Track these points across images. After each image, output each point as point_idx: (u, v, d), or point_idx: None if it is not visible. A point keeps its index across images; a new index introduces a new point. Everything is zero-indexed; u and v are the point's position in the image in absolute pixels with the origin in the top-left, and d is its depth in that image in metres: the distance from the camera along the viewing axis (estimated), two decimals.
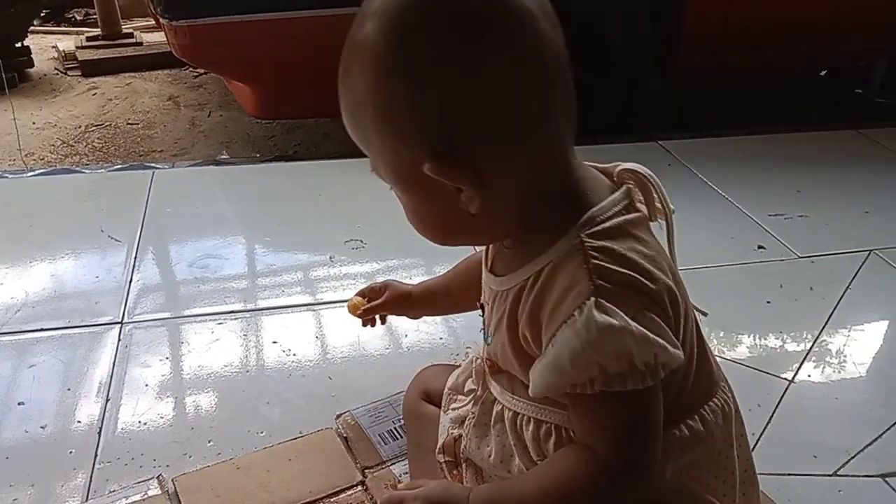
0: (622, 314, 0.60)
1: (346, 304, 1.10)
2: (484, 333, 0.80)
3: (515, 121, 0.62)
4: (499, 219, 0.67)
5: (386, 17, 0.60)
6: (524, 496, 0.68)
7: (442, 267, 1.49)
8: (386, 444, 1.11)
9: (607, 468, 0.64)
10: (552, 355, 0.62)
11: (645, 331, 0.61)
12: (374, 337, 1.37)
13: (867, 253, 1.68)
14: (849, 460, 1.15)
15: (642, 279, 0.62)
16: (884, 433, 1.20)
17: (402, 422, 1.13)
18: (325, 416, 1.17)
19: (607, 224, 0.65)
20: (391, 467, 1.07)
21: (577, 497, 0.65)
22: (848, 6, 2.40)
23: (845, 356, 1.37)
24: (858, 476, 1.13)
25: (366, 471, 1.06)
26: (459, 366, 0.93)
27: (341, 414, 1.16)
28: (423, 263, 1.63)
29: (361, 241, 1.70)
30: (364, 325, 1.11)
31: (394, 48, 0.61)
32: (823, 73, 3.28)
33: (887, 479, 1.13)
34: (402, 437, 1.12)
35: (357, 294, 1.09)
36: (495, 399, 0.79)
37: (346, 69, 0.66)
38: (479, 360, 0.84)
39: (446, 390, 0.92)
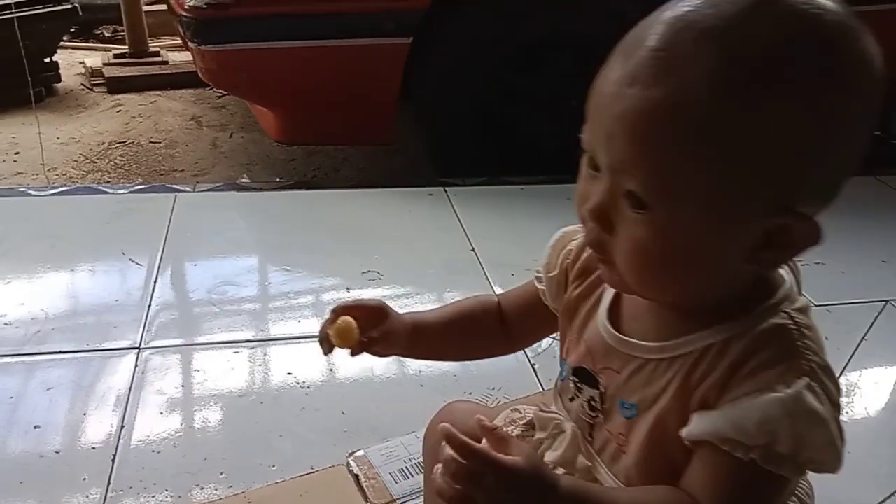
0: (829, 406, 0.57)
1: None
2: (597, 402, 0.69)
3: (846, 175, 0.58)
4: (723, 275, 0.60)
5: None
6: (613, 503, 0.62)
7: (440, 299, 1.51)
8: (397, 482, 1.12)
9: None
10: (740, 410, 0.57)
11: (837, 433, 0.58)
12: (387, 371, 1.38)
13: (884, 304, 1.67)
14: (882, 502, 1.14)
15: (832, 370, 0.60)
16: (893, 494, 1.20)
17: (414, 461, 1.14)
18: (337, 451, 1.18)
19: (802, 303, 0.62)
20: None
21: None
22: None
23: (860, 409, 1.36)
24: None
25: None
26: (486, 405, 0.91)
27: (353, 452, 1.17)
28: (437, 296, 1.64)
29: (378, 273, 1.71)
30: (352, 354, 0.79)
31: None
32: None
33: None
34: (413, 475, 1.12)
35: (339, 312, 0.76)
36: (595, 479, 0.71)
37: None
38: (568, 432, 0.73)
39: None
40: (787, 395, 0.56)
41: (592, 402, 0.69)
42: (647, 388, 0.64)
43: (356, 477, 1.12)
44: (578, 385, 0.70)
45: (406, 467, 1.14)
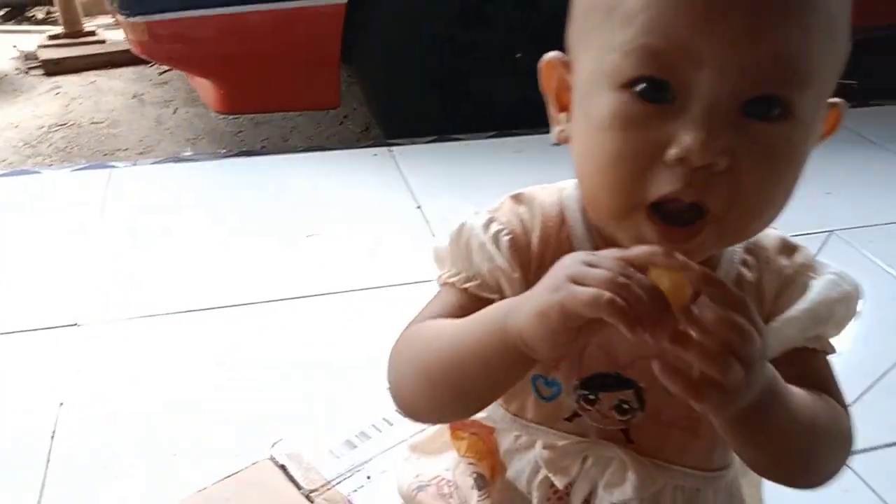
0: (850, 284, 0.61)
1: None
2: (631, 401, 0.60)
3: None
4: None
5: None
6: (801, 410, 0.54)
7: (389, 259, 1.48)
8: (327, 465, 1.08)
9: (851, 430, 0.60)
10: (807, 305, 0.57)
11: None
12: (303, 347, 1.36)
13: (828, 234, 1.69)
14: None
15: None
16: None
17: (341, 440, 1.11)
18: (259, 445, 1.12)
19: None
20: (337, 487, 1.04)
21: (837, 437, 0.58)
22: None
23: None
24: None
25: (311, 495, 1.03)
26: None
27: (275, 442, 1.12)
28: (382, 257, 1.62)
29: (321, 234, 1.69)
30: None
31: None
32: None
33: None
34: (341, 456, 1.10)
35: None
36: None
37: None
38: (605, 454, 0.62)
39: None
40: (829, 280, 0.58)
41: (624, 405, 0.60)
42: None
43: (283, 467, 1.08)
44: (589, 397, 0.61)
45: (335, 448, 1.11)
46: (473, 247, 0.59)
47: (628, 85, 0.47)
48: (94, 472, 1.09)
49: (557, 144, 0.57)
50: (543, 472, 0.63)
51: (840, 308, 0.58)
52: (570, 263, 0.47)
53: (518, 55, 2.16)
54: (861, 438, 1.16)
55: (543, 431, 0.63)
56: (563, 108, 0.56)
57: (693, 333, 0.44)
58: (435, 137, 2.21)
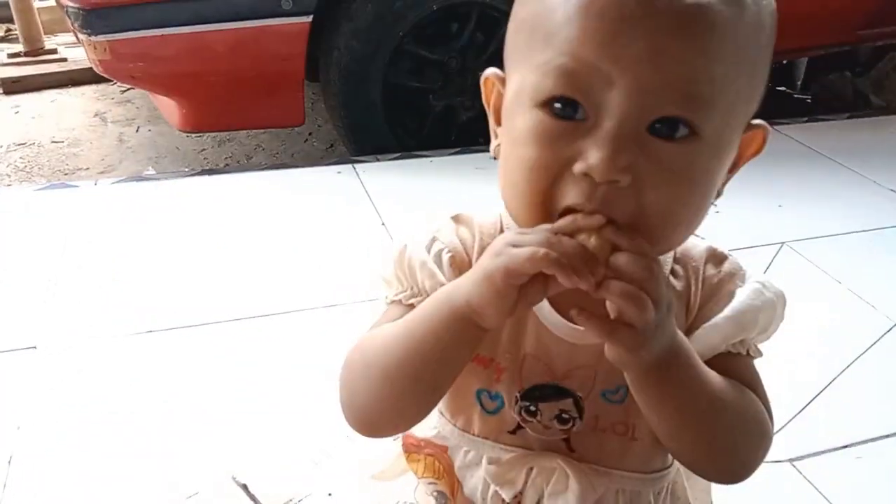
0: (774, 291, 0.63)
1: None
2: (571, 410, 0.62)
3: None
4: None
5: None
6: (710, 380, 0.57)
7: (353, 277, 1.49)
8: (289, 482, 1.08)
9: (771, 426, 0.62)
10: (731, 313, 0.60)
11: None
12: (265, 365, 1.36)
13: (780, 245, 1.74)
14: None
15: None
16: (790, 421, 1.25)
17: (305, 457, 1.12)
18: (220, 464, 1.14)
19: None
20: None
21: (749, 421, 0.60)
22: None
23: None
24: (768, 462, 1.17)
25: None
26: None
27: (237, 462, 1.13)
28: (347, 274, 1.63)
29: (285, 252, 1.70)
30: None
31: None
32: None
33: (794, 463, 1.18)
34: (304, 473, 1.10)
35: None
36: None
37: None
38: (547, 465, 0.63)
39: None
40: (753, 289, 0.60)
41: (564, 415, 0.62)
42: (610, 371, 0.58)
43: (244, 486, 1.09)
44: (530, 408, 0.62)
45: (295, 466, 1.12)
46: (416, 265, 0.61)
47: (545, 103, 0.50)
48: (53, 497, 1.08)
49: (495, 158, 0.59)
50: (493, 487, 0.64)
51: (763, 315, 0.60)
52: (506, 235, 0.52)
53: (480, 73, 2.20)
54: (810, 444, 1.21)
55: (489, 445, 0.65)
56: (500, 122, 0.58)
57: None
58: (399, 154, 2.24)
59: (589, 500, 0.62)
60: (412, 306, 0.61)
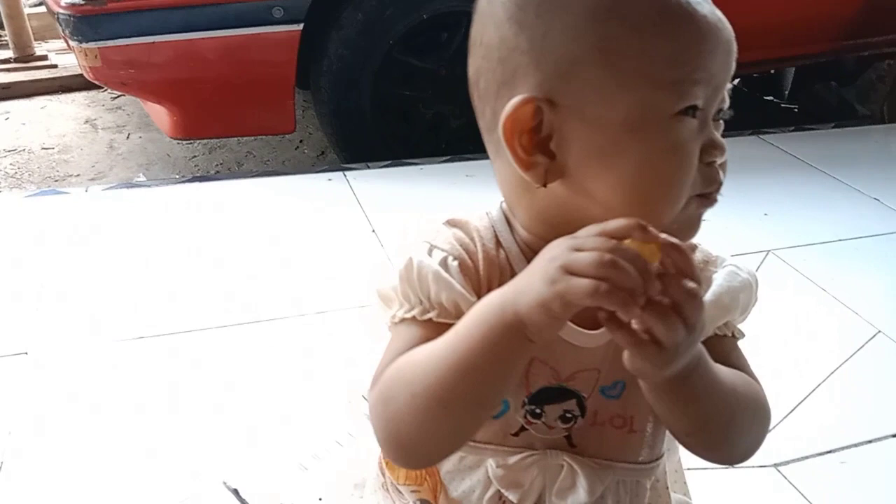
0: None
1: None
2: (574, 410, 0.64)
3: None
4: None
5: None
6: (724, 379, 0.59)
7: (343, 283, 1.50)
8: (280, 487, 1.09)
9: (766, 400, 0.65)
10: (711, 295, 0.62)
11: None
12: (256, 370, 1.37)
13: (766, 253, 1.76)
14: None
15: None
16: (776, 426, 1.27)
17: (294, 461, 1.12)
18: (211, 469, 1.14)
19: None
20: None
21: (756, 408, 0.63)
22: (757, 16, 2.51)
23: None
24: (753, 467, 1.19)
25: None
26: None
27: (229, 467, 1.13)
28: (338, 281, 1.64)
29: (277, 260, 1.70)
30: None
31: None
32: (736, 81, 3.42)
33: (779, 468, 1.19)
34: (294, 477, 1.11)
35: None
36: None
37: None
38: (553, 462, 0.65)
39: None
40: (729, 271, 0.64)
41: (567, 414, 0.63)
42: (615, 366, 0.59)
43: (235, 491, 1.10)
44: (536, 411, 0.63)
45: (287, 470, 1.12)
46: (428, 278, 0.59)
47: (686, 110, 0.55)
48: (44, 502, 1.08)
49: (544, 186, 0.57)
50: (494, 488, 0.65)
51: (742, 296, 0.64)
52: (558, 253, 0.50)
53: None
54: (794, 448, 1.22)
55: (492, 450, 0.64)
56: (535, 152, 0.56)
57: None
58: (389, 162, 2.25)
59: (597, 492, 0.64)
60: (428, 322, 0.59)
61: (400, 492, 0.72)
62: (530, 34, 0.55)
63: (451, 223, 0.64)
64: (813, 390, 1.36)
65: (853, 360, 1.43)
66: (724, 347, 0.64)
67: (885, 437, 1.26)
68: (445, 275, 0.59)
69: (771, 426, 1.23)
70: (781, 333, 1.53)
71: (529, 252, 0.62)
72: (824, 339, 1.52)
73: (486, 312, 0.53)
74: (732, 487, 1.14)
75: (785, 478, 1.17)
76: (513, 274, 0.60)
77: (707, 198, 0.58)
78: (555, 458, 0.64)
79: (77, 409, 1.26)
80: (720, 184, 0.58)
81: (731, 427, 0.60)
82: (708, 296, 0.62)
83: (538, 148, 0.56)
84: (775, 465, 1.19)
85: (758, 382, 0.65)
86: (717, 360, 0.60)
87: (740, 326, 0.66)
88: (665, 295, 0.48)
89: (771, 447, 1.21)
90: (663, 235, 0.50)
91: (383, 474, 0.74)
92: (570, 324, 0.60)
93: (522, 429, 0.64)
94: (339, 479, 1.11)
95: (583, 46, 0.54)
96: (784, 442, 1.23)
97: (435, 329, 0.59)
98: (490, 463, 0.65)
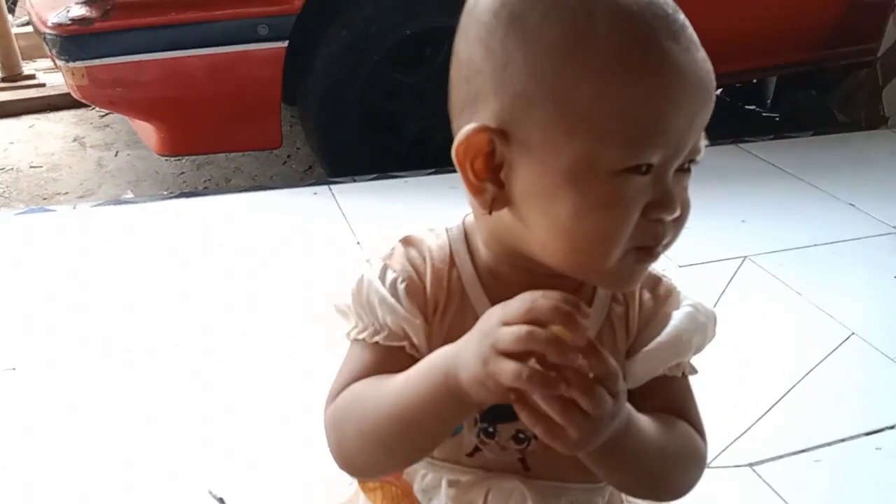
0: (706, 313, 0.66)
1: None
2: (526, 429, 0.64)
3: None
4: None
5: None
6: (653, 438, 0.60)
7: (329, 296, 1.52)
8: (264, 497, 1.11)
9: (705, 449, 0.66)
10: (667, 337, 0.63)
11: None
12: (242, 383, 1.39)
13: (742, 259, 1.80)
14: (720, 453, 1.24)
15: None
16: (751, 427, 1.30)
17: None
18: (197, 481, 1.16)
19: None
20: None
21: (689, 459, 0.64)
22: (740, 26, 2.55)
23: (717, 357, 1.46)
24: (729, 467, 1.22)
25: None
26: None
27: (214, 478, 1.15)
28: (323, 293, 1.66)
29: (261, 274, 1.73)
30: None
31: None
32: (718, 91, 3.47)
33: (754, 467, 1.22)
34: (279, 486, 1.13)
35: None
36: None
37: None
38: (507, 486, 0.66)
39: None
40: (686, 313, 0.64)
41: (520, 434, 0.65)
42: None
43: (221, 500, 1.12)
44: (489, 430, 0.64)
45: (271, 481, 1.15)
46: (375, 301, 0.62)
47: (633, 168, 0.54)
48: None
49: (490, 213, 0.59)
50: None
51: (697, 338, 0.64)
52: (489, 328, 0.52)
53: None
54: (770, 448, 1.25)
55: (448, 468, 0.67)
56: (485, 178, 0.57)
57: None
58: (375, 175, 2.28)
59: None
60: (377, 345, 0.63)
61: None
62: (494, 62, 0.55)
63: (406, 241, 0.65)
64: (788, 391, 1.39)
65: (827, 361, 1.47)
66: (673, 388, 0.66)
67: (858, 436, 1.29)
68: (391, 300, 0.62)
69: (746, 427, 1.28)
70: (757, 336, 1.56)
71: (485, 271, 0.64)
72: (799, 342, 1.55)
73: (431, 373, 0.56)
74: (707, 488, 1.17)
75: (760, 477, 1.20)
76: (463, 294, 0.63)
77: (648, 252, 0.57)
78: (505, 482, 0.66)
79: (66, 422, 1.28)
80: (664, 241, 0.57)
81: (660, 481, 0.63)
82: (663, 336, 0.63)
83: (491, 173, 0.57)
84: (750, 465, 1.22)
85: (698, 424, 0.66)
86: (663, 402, 0.64)
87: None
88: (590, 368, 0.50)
89: (746, 447, 1.24)
90: (586, 334, 0.50)
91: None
92: None
93: (477, 449, 0.66)
94: (324, 489, 1.13)
95: (539, 85, 0.53)
96: (759, 442, 1.26)
97: (384, 355, 0.62)
98: (444, 482, 0.67)
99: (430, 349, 0.60)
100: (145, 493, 1.13)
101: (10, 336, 1.50)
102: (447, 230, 0.67)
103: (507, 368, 0.49)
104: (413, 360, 0.61)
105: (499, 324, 0.51)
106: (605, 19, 0.52)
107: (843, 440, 1.29)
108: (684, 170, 0.56)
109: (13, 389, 1.35)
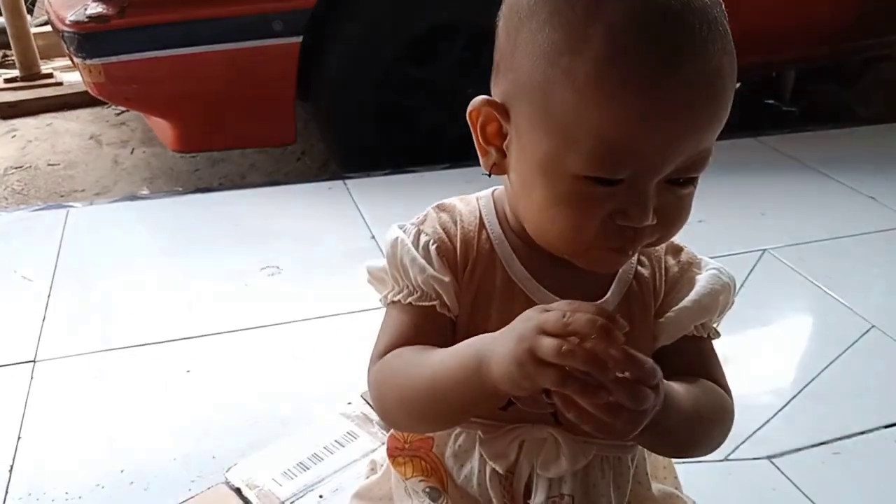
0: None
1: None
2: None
3: None
4: None
5: None
6: (687, 407, 0.62)
7: (343, 290, 1.53)
8: (282, 485, 1.12)
9: (732, 405, 0.69)
10: (696, 297, 0.66)
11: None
12: (259, 375, 1.40)
13: (761, 252, 1.78)
14: (738, 445, 1.22)
15: None
16: (770, 419, 1.28)
17: (294, 461, 1.15)
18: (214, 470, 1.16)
19: None
20: None
21: (720, 417, 0.67)
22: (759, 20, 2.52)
23: (737, 349, 1.45)
24: (747, 459, 1.21)
25: None
26: None
27: (230, 467, 1.16)
28: (338, 287, 1.66)
29: (277, 268, 1.73)
30: None
31: None
32: (738, 84, 3.44)
33: (773, 460, 1.21)
34: (296, 475, 1.14)
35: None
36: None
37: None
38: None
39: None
40: (712, 274, 0.67)
41: None
42: None
43: (237, 490, 1.12)
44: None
45: (288, 469, 1.15)
46: (407, 262, 0.65)
47: (590, 178, 0.55)
48: (51, 500, 1.11)
49: (489, 175, 0.65)
50: (490, 468, 0.69)
51: (722, 297, 0.67)
52: (527, 334, 0.53)
53: (469, 90, 2.24)
54: (789, 441, 1.23)
55: (481, 424, 0.69)
56: (492, 144, 0.62)
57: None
58: (389, 170, 2.28)
59: (579, 464, 0.67)
60: (412, 306, 0.66)
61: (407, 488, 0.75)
62: (508, 44, 0.59)
63: (440, 208, 0.70)
64: (807, 384, 1.37)
65: (847, 354, 1.45)
66: (700, 348, 0.68)
67: (878, 429, 1.27)
68: (422, 260, 0.65)
69: (765, 420, 1.26)
70: (776, 329, 1.55)
71: (511, 234, 0.67)
72: (818, 335, 1.53)
73: (466, 359, 0.58)
74: (726, 480, 1.16)
75: (778, 469, 1.18)
76: (492, 253, 0.66)
77: (619, 251, 0.59)
78: (539, 431, 0.68)
79: (84, 414, 1.29)
80: (636, 245, 0.59)
81: (696, 441, 0.66)
82: (691, 296, 0.67)
83: (500, 139, 0.61)
84: (769, 458, 1.21)
85: (724, 383, 0.68)
86: (689, 361, 0.67)
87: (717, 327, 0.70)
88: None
89: (764, 439, 1.23)
90: (624, 346, 0.51)
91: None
92: (551, 296, 0.64)
93: (510, 403, 0.67)
94: (340, 479, 1.13)
95: (529, 81, 0.56)
96: (778, 434, 1.25)
97: (420, 316, 0.66)
98: (479, 434, 0.69)
99: (461, 307, 0.66)
100: (161, 482, 1.14)
101: (28, 329, 1.51)
102: (478, 198, 0.70)
103: (551, 374, 0.51)
104: (447, 321, 0.66)
105: (536, 330, 0.52)
106: (599, 35, 0.52)
107: (862, 433, 1.27)
108: (679, 183, 0.57)
109: (31, 381, 1.36)
